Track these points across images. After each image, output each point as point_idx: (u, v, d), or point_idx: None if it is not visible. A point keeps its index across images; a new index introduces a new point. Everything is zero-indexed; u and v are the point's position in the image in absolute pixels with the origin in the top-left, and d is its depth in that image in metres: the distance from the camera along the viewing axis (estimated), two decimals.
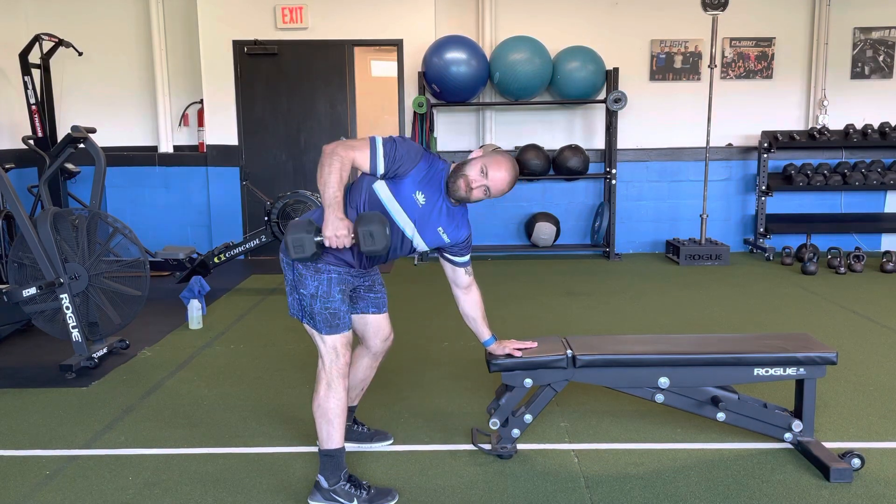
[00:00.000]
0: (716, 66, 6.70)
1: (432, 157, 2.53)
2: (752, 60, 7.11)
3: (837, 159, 7.13)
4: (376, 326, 2.75)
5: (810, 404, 2.79)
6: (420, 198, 2.46)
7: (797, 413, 2.83)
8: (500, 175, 2.48)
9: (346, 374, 2.47)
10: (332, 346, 2.44)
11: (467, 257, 2.70)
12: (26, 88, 6.12)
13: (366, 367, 2.84)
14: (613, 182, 6.92)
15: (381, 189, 2.44)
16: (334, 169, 2.30)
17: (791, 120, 7.21)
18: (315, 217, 2.44)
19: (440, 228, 2.54)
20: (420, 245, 2.54)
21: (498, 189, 2.50)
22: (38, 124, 6.20)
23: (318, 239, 2.30)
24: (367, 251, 2.30)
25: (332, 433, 2.46)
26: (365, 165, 2.40)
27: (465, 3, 7.06)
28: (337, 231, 2.27)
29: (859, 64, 7.11)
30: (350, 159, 2.35)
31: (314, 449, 2.86)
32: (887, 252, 6.31)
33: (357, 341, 2.77)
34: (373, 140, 2.40)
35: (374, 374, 2.90)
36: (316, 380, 2.50)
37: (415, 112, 6.75)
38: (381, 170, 2.40)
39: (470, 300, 2.75)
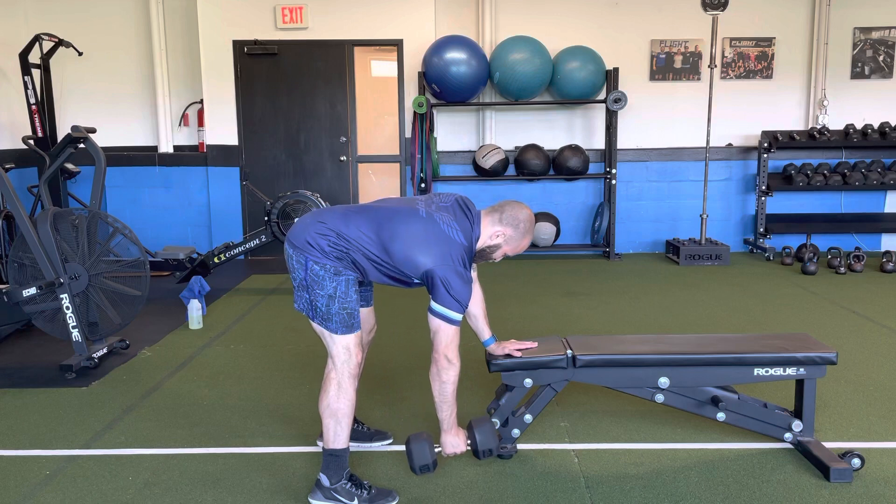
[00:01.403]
0: (716, 66, 6.70)
1: (470, 257, 2.54)
2: (752, 60, 7.11)
3: (837, 159, 7.13)
4: (364, 319, 2.77)
5: (810, 404, 2.79)
6: None
7: (797, 413, 2.83)
8: (521, 250, 2.64)
9: (356, 375, 2.48)
10: (344, 346, 2.44)
11: None
12: (26, 88, 6.12)
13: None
14: (613, 182, 6.92)
15: None
16: (453, 386, 2.51)
17: (791, 120, 7.21)
18: (328, 218, 2.47)
19: None
20: None
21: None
22: (38, 124, 6.20)
23: (437, 450, 2.59)
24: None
25: (339, 433, 2.46)
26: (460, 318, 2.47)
27: (465, 3, 7.06)
28: (457, 450, 2.58)
29: (859, 64, 7.11)
30: (458, 354, 2.49)
31: (314, 448, 2.87)
32: (887, 252, 6.31)
33: None
34: (457, 322, 2.44)
35: (363, 368, 2.91)
36: (324, 379, 2.50)
37: (415, 112, 6.75)
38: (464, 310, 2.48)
39: (474, 297, 2.78)
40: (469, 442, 2.59)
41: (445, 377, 2.47)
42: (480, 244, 2.56)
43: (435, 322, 2.44)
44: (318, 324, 2.46)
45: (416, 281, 2.50)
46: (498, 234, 2.55)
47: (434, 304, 2.42)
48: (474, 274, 2.75)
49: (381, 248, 2.44)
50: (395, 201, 2.62)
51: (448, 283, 2.39)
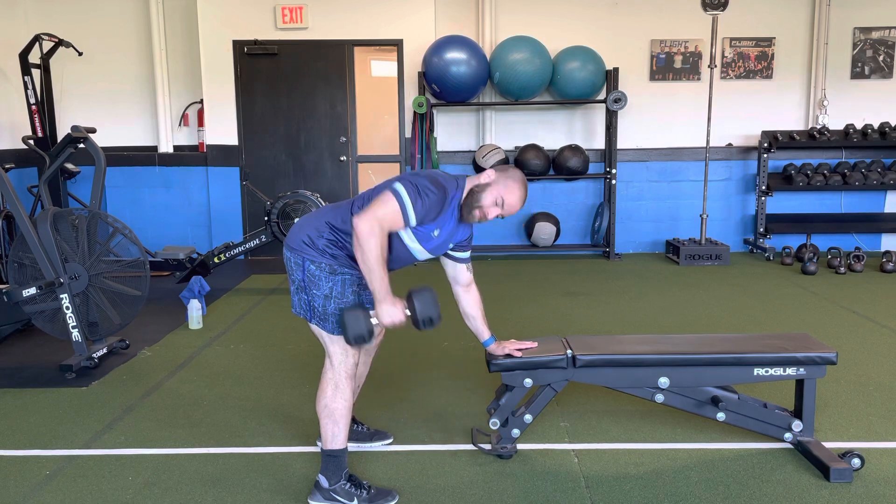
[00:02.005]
0: (716, 66, 6.70)
1: (450, 190, 2.47)
2: (752, 60, 7.11)
3: (837, 159, 7.13)
4: None
5: (810, 404, 2.79)
6: (437, 233, 2.48)
7: (797, 413, 2.83)
8: (513, 201, 2.50)
9: (353, 375, 2.48)
10: (342, 347, 2.44)
11: (468, 254, 2.72)
12: (26, 88, 6.12)
13: (361, 364, 2.85)
14: (613, 182, 6.92)
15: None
16: (376, 253, 2.30)
17: (791, 120, 7.21)
18: (327, 217, 2.46)
19: (449, 242, 2.60)
20: (427, 258, 2.58)
21: (511, 212, 2.53)
22: (38, 124, 6.20)
23: (375, 323, 2.38)
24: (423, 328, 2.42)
25: (337, 434, 2.46)
26: (399, 226, 2.39)
27: (465, 3, 7.06)
28: (394, 319, 2.36)
29: (859, 64, 7.11)
30: (386, 231, 2.34)
31: (314, 449, 2.87)
32: (887, 252, 6.31)
33: None
34: (397, 196, 2.34)
35: (367, 371, 2.91)
36: (321, 380, 2.50)
37: (415, 112, 6.75)
38: (412, 223, 2.39)
39: (470, 298, 2.77)
40: (408, 312, 2.40)
41: (367, 246, 2.30)
42: (469, 185, 2.49)
43: (383, 192, 2.37)
44: (315, 324, 2.47)
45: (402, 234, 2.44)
46: (485, 176, 2.49)
47: (395, 183, 2.38)
48: (471, 275, 2.74)
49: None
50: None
51: (419, 178, 2.39)
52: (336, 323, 2.42)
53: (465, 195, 2.49)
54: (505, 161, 6.88)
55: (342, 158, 7.13)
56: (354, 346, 2.40)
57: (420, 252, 2.50)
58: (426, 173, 2.46)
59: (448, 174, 2.55)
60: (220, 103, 6.97)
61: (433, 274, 6.21)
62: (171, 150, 7.22)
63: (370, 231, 2.29)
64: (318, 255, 2.41)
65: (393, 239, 2.44)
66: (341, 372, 2.45)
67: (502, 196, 2.47)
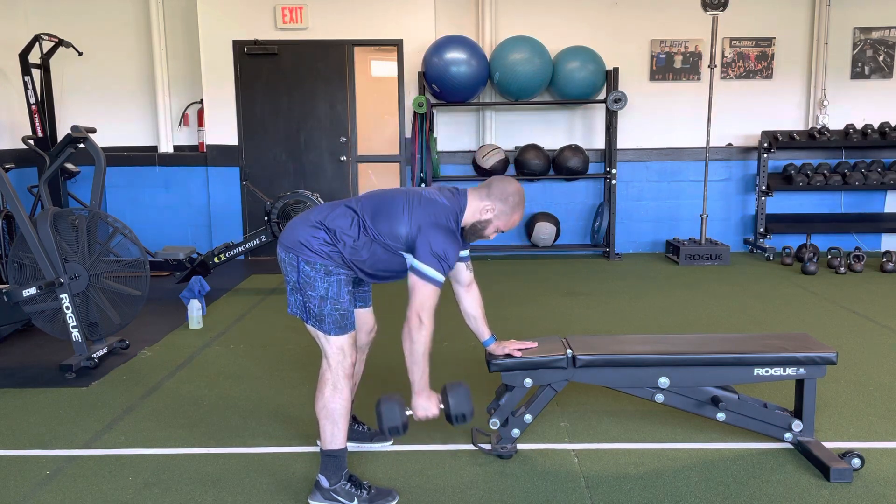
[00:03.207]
0: (716, 66, 6.70)
1: (456, 222, 2.49)
2: (752, 60, 7.11)
3: (837, 159, 7.13)
4: (363, 320, 2.78)
5: (810, 404, 2.79)
6: None
7: (797, 413, 2.83)
8: (513, 226, 2.59)
9: (351, 375, 2.48)
10: (339, 347, 2.44)
11: (467, 252, 2.73)
12: (26, 88, 6.12)
13: (356, 362, 2.86)
14: (613, 182, 6.92)
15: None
16: (425, 347, 2.42)
17: (791, 120, 7.21)
18: (327, 214, 2.47)
19: None
20: None
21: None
22: (38, 124, 6.20)
23: (409, 414, 2.51)
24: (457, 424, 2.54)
25: (336, 434, 2.46)
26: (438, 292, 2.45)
27: (465, 3, 7.06)
28: (428, 412, 2.50)
29: (859, 64, 7.11)
30: (433, 309, 2.42)
31: (314, 449, 2.87)
32: (887, 252, 6.31)
33: None
34: (427, 278, 2.38)
35: (363, 369, 2.92)
36: (319, 380, 2.49)
37: (415, 112, 6.75)
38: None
39: (471, 298, 2.77)
40: (442, 406, 2.51)
41: (416, 337, 2.41)
42: (470, 219, 2.52)
43: (412, 279, 2.40)
44: (311, 325, 2.47)
45: (406, 255, 2.46)
46: (487, 208, 2.52)
47: (413, 261, 2.39)
48: (471, 275, 2.74)
49: (365, 226, 2.43)
50: (381, 190, 2.62)
51: (430, 237, 2.36)
52: (332, 324, 2.42)
53: (467, 228, 2.53)
54: (505, 162, 6.88)
55: (342, 158, 7.13)
56: (388, 437, 2.52)
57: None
58: (432, 219, 2.41)
59: (448, 192, 2.54)
60: (220, 103, 6.97)
61: None
62: (171, 150, 7.22)
63: (419, 325, 2.40)
64: (312, 255, 2.40)
65: (393, 256, 2.46)
66: (339, 372, 2.45)
67: (503, 227, 2.57)
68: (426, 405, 2.49)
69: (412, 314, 2.40)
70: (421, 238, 2.37)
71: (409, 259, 2.42)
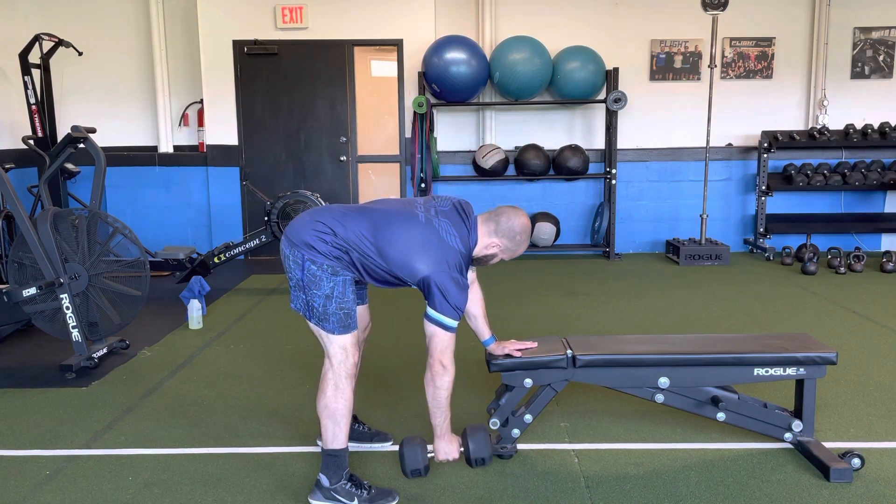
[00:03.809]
0: (716, 65, 6.70)
1: (465, 257, 2.51)
2: (752, 60, 7.11)
3: (837, 159, 7.13)
4: (359, 317, 2.76)
5: (810, 404, 2.79)
6: None
7: (797, 413, 2.83)
8: (518, 254, 2.63)
9: (353, 375, 2.48)
10: (341, 346, 2.44)
11: None
12: (26, 88, 6.12)
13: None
14: (613, 182, 6.92)
15: None
16: (447, 392, 2.50)
17: (791, 120, 7.21)
18: (325, 216, 2.46)
19: None
20: None
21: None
22: (38, 124, 6.20)
23: (430, 456, 2.59)
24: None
25: (337, 433, 2.46)
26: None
27: (465, 3, 7.06)
28: (449, 456, 2.59)
29: (859, 64, 7.11)
30: (452, 351, 2.47)
31: (314, 449, 2.87)
32: (887, 252, 6.31)
33: None
34: (443, 326, 2.41)
35: (359, 363, 2.91)
36: (321, 379, 2.49)
37: (415, 112, 6.75)
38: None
39: (473, 297, 2.77)
40: (462, 449, 2.60)
41: (440, 383, 2.47)
42: (477, 252, 2.56)
43: (431, 328, 2.44)
44: (314, 324, 2.46)
45: (413, 285, 2.50)
46: (494, 244, 2.55)
47: (430, 311, 2.42)
48: (473, 275, 2.75)
49: (378, 251, 2.43)
50: (394, 203, 2.60)
51: (445, 290, 2.39)
52: (336, 323, 2.42)
53: (473, 259, 2.57)
54: (505, 162, 6.88)
55: (342, 158, 7.13)
56: (410, 477, 2.55)
57: None
58: (446, 270, 2.40)
59: (460, 220, 2.52)
60: (220, 103, 6.97)
61: None
62: (171, 150, 7.22)
63: (442, 371, 2.47)
64: (319, 256, 2.40)
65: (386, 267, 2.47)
66: (341, 372, 2.45)
67: (506, 259, 2.62)
68: (447, 449, 2.58)
69: (434, 361, 2.46)
70: (435, 288, 2.40)
71: (427, 308, 2.44)
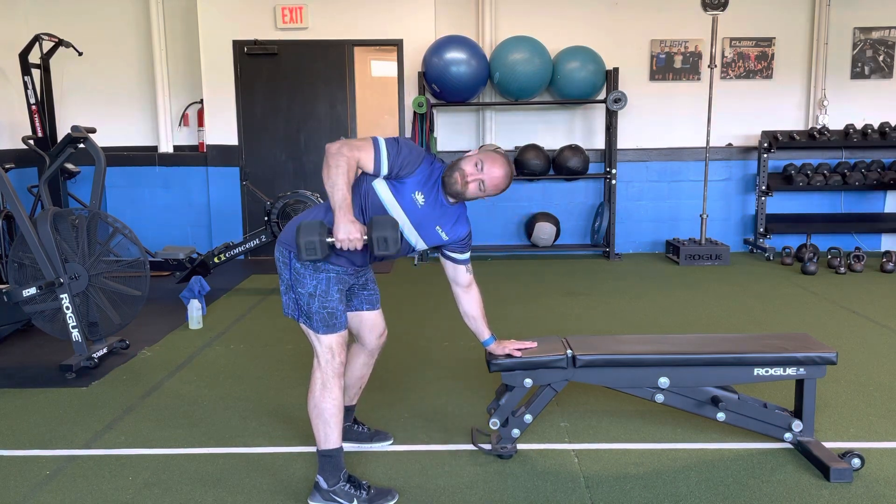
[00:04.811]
0: (716, 66, 6.70)
1: (432, 158, 2.55)
2: (752, 60, 7.11)
3: (837, 159, 7.13)
4: (371, 323, 2.76)
5: (810, 404, 2.79)
6: (419, 198, 2.47)
7: (797, 413, 2.83)
8: (495, 171, 2.48)
9: (341, 374, 2.47)
10: (328, 346, 2.44)
11: (467, 255, 2.70)
12: (26, 88, 6.12)
13: (362, 365, 2.85)
14: (613, 182, 6.92)
15: (382, 189, 2.44)
16: (341, 170, 2.31)
17: (791, 120, 7.21)
18: (320, 216, 2.44)
19: (438, 227, 2.55)
20: (419, 244, 2.55)
21: (493, 185, 2.50)
22: (38, 124, 6.20)
23: (330, 241, 2.31)
24: (379, 255, 2.36)
25: (329, 433, 2.46)
26: (369, 166, 2.40)
27: (465, 3, 7.06)
28: (350, 235, 2.29)
29: (859, 64, 7.11)
30: (356, 159, 2.36)
31: (314, 449, 2.86)
32: (887, 252, 6.31)
33: (352, 339, 2.77)
34: (375, 141, 2.41)
35: (370, 372, 2.91)
36: (310, 379, 2.49)
37: (415, 112, 6.75)
38: (384, 171, 2.41)
39: (470, 299, 2.75)
40: (366, 238, 2.32)
41: (332, 162, 2.31)
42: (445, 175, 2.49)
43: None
44: (303, 323, 2.48)
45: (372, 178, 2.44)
46: (462, 153, 2.54)
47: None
48: (470, 276, 2.73)
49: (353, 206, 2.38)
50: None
51: (397, 138, 2.44)
52: (320, 322, 2.42)
53: (444, 179, 2.51)
54: None
55: None
56: (304, 259, 2.30)
57: (407, 226, 2.48)
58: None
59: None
60: (220, 103, 6.97)
61: (434, 275, 6.22)
62: (171, 150, 7.22)
63: (337, 150, 2.33)
64: None
65: (377, 205, 2.44)
66: (328, 371, 2.44)
67: (482, 161, 2.48)
68: (348, 226, 2.28)
69: (338, 142, 2.36)
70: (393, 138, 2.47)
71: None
